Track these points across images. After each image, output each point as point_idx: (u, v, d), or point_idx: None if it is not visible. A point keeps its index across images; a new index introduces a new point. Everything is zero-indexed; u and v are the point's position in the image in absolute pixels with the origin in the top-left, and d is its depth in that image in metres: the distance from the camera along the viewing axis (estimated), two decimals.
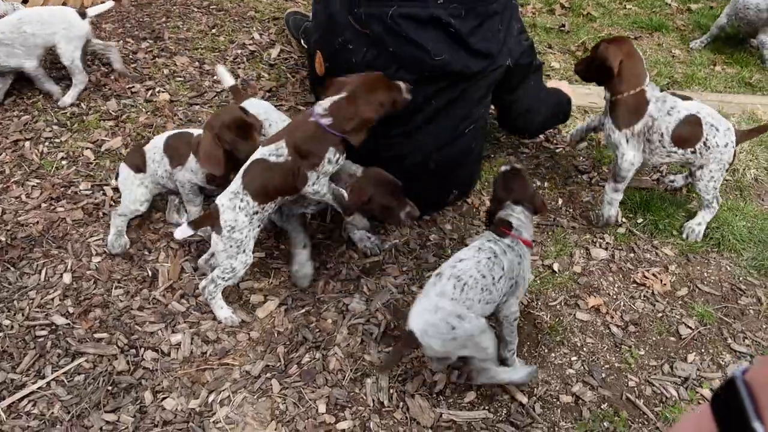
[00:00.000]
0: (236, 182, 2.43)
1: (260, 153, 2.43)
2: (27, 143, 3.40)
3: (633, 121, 2.89)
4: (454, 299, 2.14)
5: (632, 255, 3.01)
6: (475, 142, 2.99)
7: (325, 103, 2.39)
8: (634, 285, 2.87)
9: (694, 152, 2.91)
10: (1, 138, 3.41)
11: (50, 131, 3.50)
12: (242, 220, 2.42)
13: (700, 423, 0.96)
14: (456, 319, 2.12)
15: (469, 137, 2.90)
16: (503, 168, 2.52)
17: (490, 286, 2.20)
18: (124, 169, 2.80)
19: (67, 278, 2.73)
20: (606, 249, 3.04)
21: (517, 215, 2.39)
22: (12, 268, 2.76)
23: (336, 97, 2.39)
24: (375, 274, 2.85)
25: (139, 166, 2.76)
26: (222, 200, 2.44)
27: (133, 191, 2.77)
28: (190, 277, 2.78)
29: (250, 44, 4.37)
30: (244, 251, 2.48)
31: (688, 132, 2.87)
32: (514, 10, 2.84)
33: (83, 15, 3.62)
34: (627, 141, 2.93)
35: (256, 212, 2.44)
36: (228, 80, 3.10)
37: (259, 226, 2.51)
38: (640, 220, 3.17)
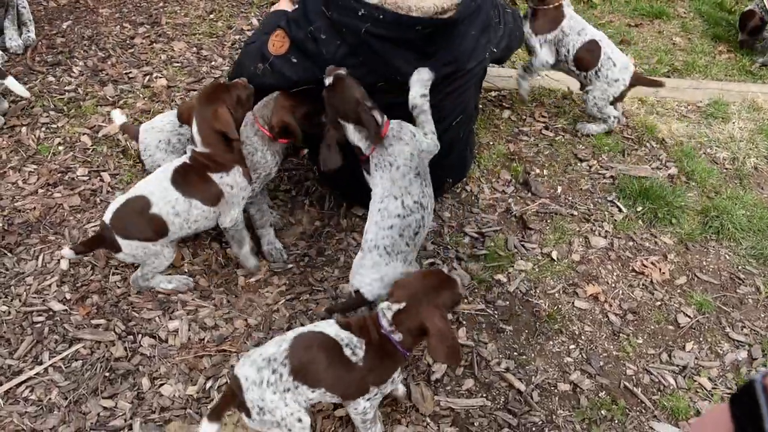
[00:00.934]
0: None
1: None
2: (24, 128, 3.38)
3: (548, 30, 3.43)
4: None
5: (631, 243, 3.01)
6: (463, 129, 2.93)
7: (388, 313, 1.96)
8: (633, 273, 2.87)
9: (586, 77, 3.47)
10: None
11: (47, 117, 3.48)
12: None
13: (718, 421, 0.97)
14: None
15: (455, 127, 2.85)
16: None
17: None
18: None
19: (64, 264, 2.72)
20: (605, 237, 3.03)
21: None
22: (9, 254, 2.75)
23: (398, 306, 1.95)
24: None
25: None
26: None
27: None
28: (189, 262, 2.77)
29: (248, 29, 4.33)
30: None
31: (588, 57, 3.40)
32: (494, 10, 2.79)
33: None
34: (541, 46, 3.47)
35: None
36: (119, 119, 2.94)
37: None
38: (639, 208, 3.16)
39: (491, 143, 3.53)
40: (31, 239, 2.82)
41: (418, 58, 2.41)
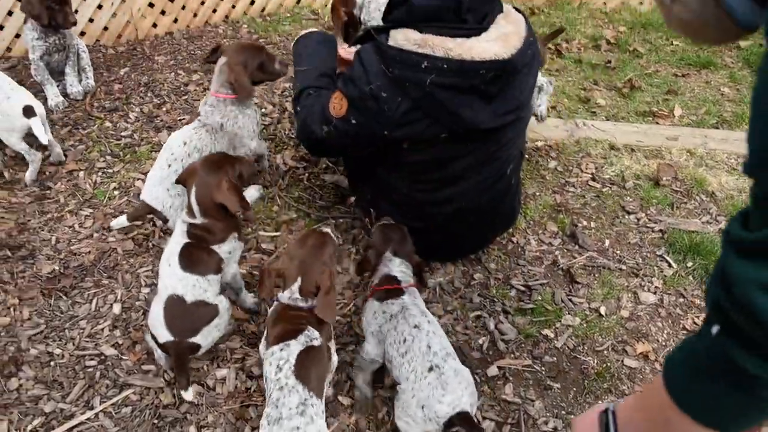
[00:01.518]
0: None
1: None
2: (81, 173, 3.50)
3: None
4: None
5: (681, 300, 2.95)
6: (514, 176, 2.94)
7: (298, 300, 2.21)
8: (684, 331, 2.81)
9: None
10: (58, 167, 3.51)
11: (104, 161, 3.59)
12: None
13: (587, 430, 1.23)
14: None
15: (509, 175, 2.86)
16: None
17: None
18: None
19: (116, 308, 2.78)
20: (654, 293, 2.98)
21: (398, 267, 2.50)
22: (64, 297, 2.83)
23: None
24: None
25: None
26: None
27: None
28: (237, 310, 2.81)
29: None
30: None
31: None
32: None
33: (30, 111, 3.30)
34: None
35: None
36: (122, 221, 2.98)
37: None
38: (689, 264, 3.11)
39: (537, 194, 3.53)
40: (86, 283, 2.90)
41: (483, 105, 2.45)
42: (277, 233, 3.19)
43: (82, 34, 4.72)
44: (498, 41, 2.41)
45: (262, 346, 2.25)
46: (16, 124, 3.29)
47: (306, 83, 2.88)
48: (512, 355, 2.67)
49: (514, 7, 2.65)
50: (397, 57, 2.40)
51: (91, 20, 4.73)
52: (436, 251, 3.02)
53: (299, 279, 2.17)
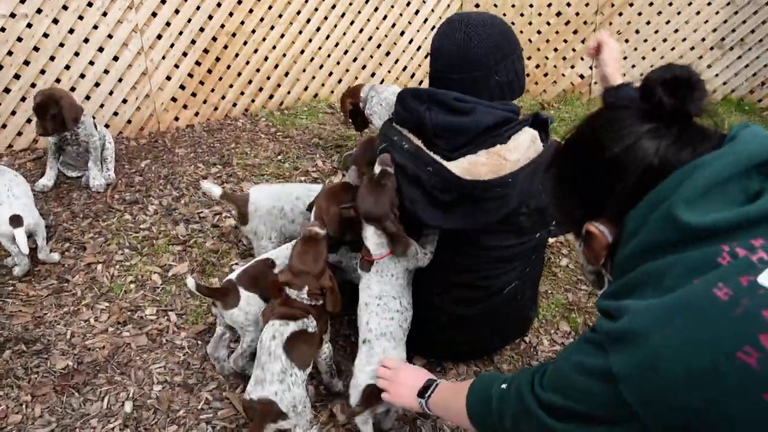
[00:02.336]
0: None
1: None
2: (99, 266, 3.56)
3: None
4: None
5: None
6: (520, 291, 2.86)
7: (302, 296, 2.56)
8: None
9: None
10: (76, 260, 3.58)
11: (122, 254, 3.66)
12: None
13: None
14: None
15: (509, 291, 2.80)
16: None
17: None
18: None
19: (128, 407, 2.77)
20: None
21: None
22: (76, 394, 2.83)
23: None
24: (432, 416, 2.81)
25: None
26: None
27: None
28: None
29: (313, 171, 4.56)
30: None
31: None
32: None
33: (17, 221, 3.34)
34: None
35: None
36: (216, 191, 3.40)
37: None
38: None
39: (550, 292, 3.54)
40: (98, 379, 2.90)
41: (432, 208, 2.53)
42: None
43: (107, 126, 4.89)
44: (461, 168, 2.41)
45: (262, 317, 2.62)
46: (2, 230, 3.33)
47: None
48: None
49: (541, 127, 2.58)
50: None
51: (115, 113, 4.92)
52: (441, 352, 3.02)
53: (306, 288, 2.49)
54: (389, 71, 6.09)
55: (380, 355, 2.45)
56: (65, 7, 4.54)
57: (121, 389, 2.86)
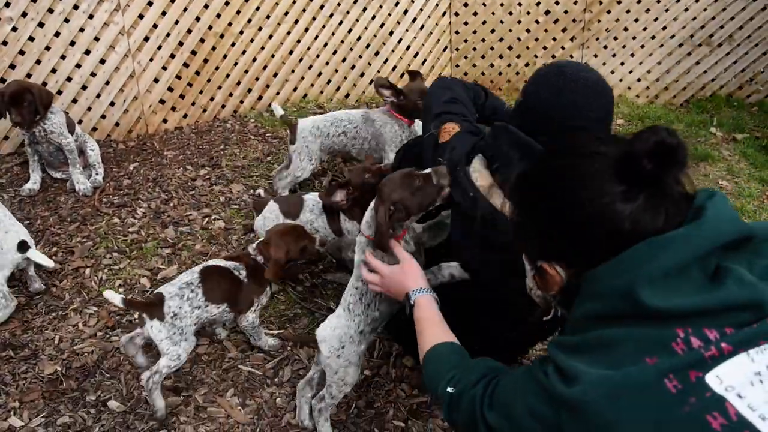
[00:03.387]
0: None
1: None
2: (87, 270, 3.54)
3: None
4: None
5: None
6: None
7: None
8: None
9: None
10: (64, 265, 3.55)
11: (110, 258, 3.64)
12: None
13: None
14: None
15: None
16: None
17: None
18: None
19: (117, 411, 2.75)
20: None
21: None
22: (65, 399, 2.80)
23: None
24: (423, 417, 2.80)
25: None
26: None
27: None
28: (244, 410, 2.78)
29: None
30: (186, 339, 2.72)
31: None
32: None
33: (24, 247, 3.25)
34: None
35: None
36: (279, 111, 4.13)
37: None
38: None
39: None
40: (87, 384, 2.88)
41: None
42: (281, 330, 3.20)
43: (94, 129, 4.87)
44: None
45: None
46: (8, 258, 3.18)
47: None
48: None
49: None
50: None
51: (103, 116, 4.89)
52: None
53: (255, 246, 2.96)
54: (378, 71, 6.07)
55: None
56: (51, 10, 4.50)
57: (110, 394, 2.84)
